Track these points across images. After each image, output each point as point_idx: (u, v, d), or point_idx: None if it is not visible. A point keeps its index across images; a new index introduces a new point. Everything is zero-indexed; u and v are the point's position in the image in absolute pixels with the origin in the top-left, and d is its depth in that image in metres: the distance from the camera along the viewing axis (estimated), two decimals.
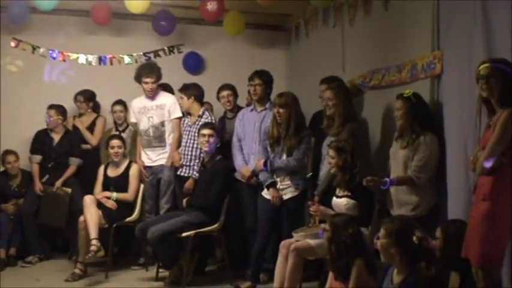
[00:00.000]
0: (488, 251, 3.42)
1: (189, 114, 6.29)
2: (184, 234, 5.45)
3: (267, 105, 5.80)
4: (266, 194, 5.40)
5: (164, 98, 6.40)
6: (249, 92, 6.10)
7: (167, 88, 6.66)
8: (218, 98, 6.57)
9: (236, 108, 6.44)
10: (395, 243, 3.47)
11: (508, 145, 3.43)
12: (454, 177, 4.29)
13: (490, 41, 3.98)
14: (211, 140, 5.73)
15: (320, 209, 4.82)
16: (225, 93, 6.44)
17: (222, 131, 6.18)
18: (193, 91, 6.26)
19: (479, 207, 3.52)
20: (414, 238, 3.45)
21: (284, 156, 5.33)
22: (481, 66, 3.60)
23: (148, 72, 6.26)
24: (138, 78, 6.29)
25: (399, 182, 4.52)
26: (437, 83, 4.66)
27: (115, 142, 6.25)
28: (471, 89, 4.00)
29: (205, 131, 5.75)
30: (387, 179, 4.52)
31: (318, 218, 4.95)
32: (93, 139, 6.78)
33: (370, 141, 5.55)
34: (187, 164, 6.16)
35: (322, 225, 4.81)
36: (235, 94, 6.48)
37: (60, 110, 6.61)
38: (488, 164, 3.43)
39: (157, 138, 6.31)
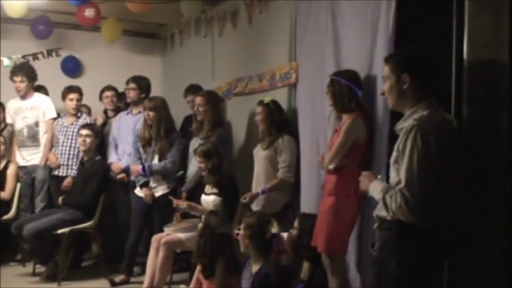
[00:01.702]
0: (333, 239, 3.58)
1: (66, 115, 6.13)
2: (59, 231, 5.28)
3: (142, 109, 5.72)
4: (139, 192, 5.35)
5: (39, 98, 6.15)
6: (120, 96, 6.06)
7: (43, 90, 6.44)
8: (101, 98, 6.50)
9: (117, 109, 6.39)
10: (251, 236, 3.56)
11: (350, 148, 3.60)
12: (307, 175, 4.44)
13: (339, 54, 4.12)
14: (88, 140, 5.60)
15: (179, 203, 4.81)
16: (108, 93, 6.40)
17: (101, 131, 6.05)
18: None
19: (325, 201, 3.69)
20: (267, 234, 3.54)
21: (156, 157, 5.30)
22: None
23: (16, 71, 6.01)
24: (11, 78, 6.03)
25: (271, 188, 4.59)
26: (294, 91, 4.80)
27: None
28: (321, 96, 4.16)
29: (83, 131, 5.65)
30: (260, 191, 4.60)
31: (179, 214, 4.99)
32: None
33: (234, 142, 5.65)
34: (65, 163, 5.98)
35: (195, 219, 4.82)
36: (117, 95, 6.44)
37: None
38: (331, 166, 3.60)
39: (31, 138, 6.04)
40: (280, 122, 4.63)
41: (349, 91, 3.64)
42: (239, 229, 3.67)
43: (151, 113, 5.25)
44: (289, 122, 4.70)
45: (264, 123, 4.65)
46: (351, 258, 3.83)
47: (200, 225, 4.17)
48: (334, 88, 3.70)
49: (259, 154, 4.73)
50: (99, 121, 6.23)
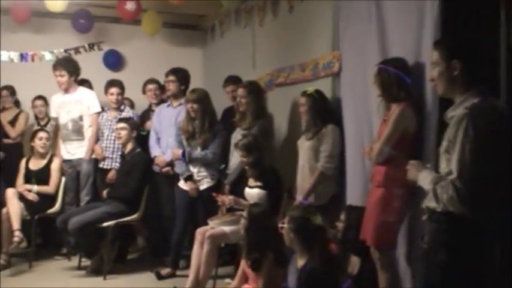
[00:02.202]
0: (382, 233, 3.53)
1: (110, 109, 6.23)
2: (104, 225, 5.34)
3: (183, 101, 5.73)
4: (183, 185, 5.37)
5: (83, 93, 6.21)
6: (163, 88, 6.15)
7: (87, 83, 6.54)
8: (144, 91, 6.56)
9: (161, 101, 6.41)
10: (295, 230, 3.51)
11: (399, 138, 3.54)
12: (352, 166, 4.38)
13: (384, 41, 4.03)
14: (123, 132, 5.67)
15: (224, 199, 4.82)
16: (151, 86, 6.45)
17: (138, 124, 6.10)
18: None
19: (374, 193, 3.63)
20: (313, 226, 3.51)
21: (199, 150, 5.31)
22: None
23: (57, 66, 6.09)
24: (53, 72, 6.11)
25: (314, 186, 4.51)
26: (337, 80, 4.72)
27: (43, 134, 6.13)
28: (365, 86, 4.10)
29: (118, 125, 5.74)
30: (301, 200, 4.53)
31: (224, 208, 4.99)
32: (12, 131, 6.53)
33: (276, 133, 5.61)
34: (110, 156, 6.07)
35: (239, 212, 4.83)
36: (160, 88, 6.46)
37: None
38: (380, 157, 3.55)
39: (75, 132, 6.13)
40: (325, 112, 4.55)
41: (398, 80, 3.55)
42: (283, 222, 3.64)
43: (195, 105, 5.25)
44: (333, 112, 4.62)
45: (308, 114, 4.58)
46: (401, 252, 3.75)
47: (243, 220, 4.16)
48: (382, 77, 3.61)
49: (304, 145, 4.67)
50: (148, 126, 6.23)
